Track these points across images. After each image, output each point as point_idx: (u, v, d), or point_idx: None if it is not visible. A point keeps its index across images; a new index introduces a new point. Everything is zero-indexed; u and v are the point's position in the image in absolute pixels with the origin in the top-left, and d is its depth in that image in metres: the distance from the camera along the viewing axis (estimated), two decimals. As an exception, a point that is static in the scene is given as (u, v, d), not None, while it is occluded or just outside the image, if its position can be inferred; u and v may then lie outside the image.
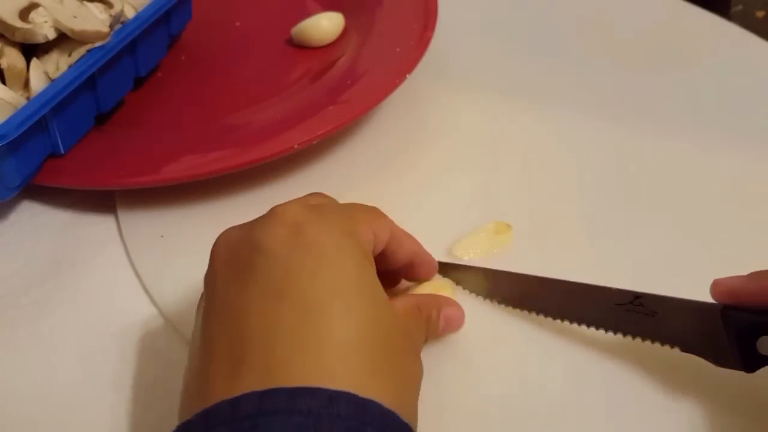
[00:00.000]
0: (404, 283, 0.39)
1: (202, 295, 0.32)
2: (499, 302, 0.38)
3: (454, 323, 0.37)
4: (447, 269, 0.40)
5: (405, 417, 0.27)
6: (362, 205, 0.34)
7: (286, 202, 0.31)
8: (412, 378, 0.30)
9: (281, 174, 0.47)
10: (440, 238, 0.42)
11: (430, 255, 0.38)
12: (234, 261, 0.30)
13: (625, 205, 0.45)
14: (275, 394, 0.25)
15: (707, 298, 0.33)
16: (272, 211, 0.30)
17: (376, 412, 0.25)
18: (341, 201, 0.35)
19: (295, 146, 0.44)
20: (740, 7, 0.68)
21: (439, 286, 0.38)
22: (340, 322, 0.27)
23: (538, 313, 0.37)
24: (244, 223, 0.31)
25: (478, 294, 0.39)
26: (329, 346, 0.26)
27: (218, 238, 0.31)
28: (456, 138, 0.50)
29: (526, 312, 0.38)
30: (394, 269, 0.36)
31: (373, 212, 0.33)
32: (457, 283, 0.39)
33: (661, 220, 0.44)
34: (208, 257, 0.31)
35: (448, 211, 0.45)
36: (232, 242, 0.31)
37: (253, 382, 0.26)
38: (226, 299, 0.29)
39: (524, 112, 0.52)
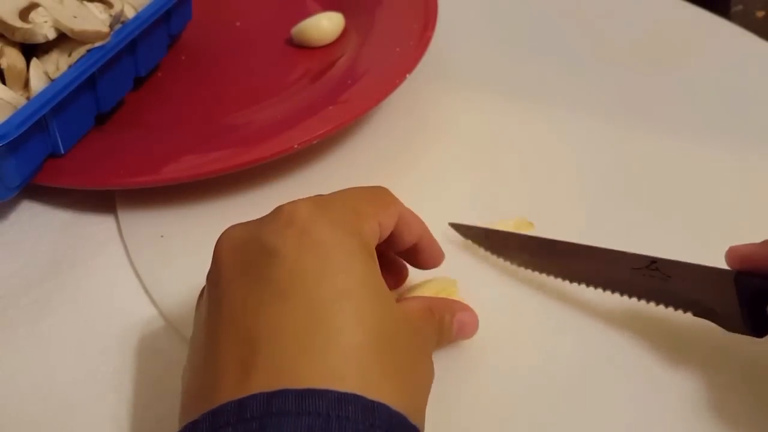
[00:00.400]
0: (407, 283, 0.39)
1: (201, 293, 0.31)
2: (519, 265, 0.40)
3: (469, 329, 0.36)
4: (467, 231, 0.41)
5: (413, 418, 0.27)
6: (371, 191, 0.33)
7: (293, 201, 0.30)
8: (422, 379, 0.30)
9: (281, 174, 0.47)
10: (442, 234, 0.42)
11: (437, 243, 0.37)
12: (240, 261, 0.29)
13: (625, 204, 0.45)
14: (284, 395, 0.24)
15: None
16: (279, 210, 0.30)
17: (385, 414, 0.25)
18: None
19: (295, 146, 0.44)
20: (740, 7, 0.68)
21: (441, 287, 0.38)
22: (348, 323, 0.27)
23: (556, 277, 0.39)
24: (248, 222, 0.31)
25: (499, 256, 0.40)
26: (337, 348, 0.26)
27: (222, 235, 0.31)
28: (456, 138, 0.51)
29: (545, 275, 0.39)
30: (400, 251, 0.35)
31: (382, 200, 0.33)
32: (479, 245, 0.41)
33: (663, 220, 0.44)
34: (209, 257, 0.31)
35: (448, 211, 0.45)
36: (237, 241, 0.30)
37: (261, 384, 0.25)
38: (232, 300, 0.28)
39: (524, 112, 0.52)
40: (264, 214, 0.31)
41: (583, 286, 0.38)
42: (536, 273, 0.39)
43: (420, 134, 0.51)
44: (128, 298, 0.41)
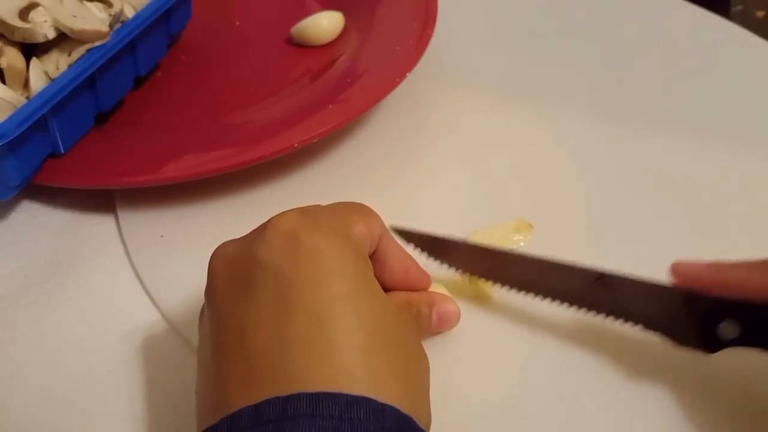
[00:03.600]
0: None
1: (202, 309, 0.32)
2: (471, 274, 0.38)
3: (449, 320, 0.37)
4: (410, 236, 0.39)
5: (421, 410, 0.28)
6: (353, 203, 0.34)
7: (281, 213, 0.31)
8: (422, 370, 0.30)
9: (281, 173, 0.47)
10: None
11: (421, 269, 0.37)
12: (234, 276, 0.30)
13: (625, 205, 0.45)
14: (298, 399, 0.25)
15: None
16: (267, 223, 0.31)
17: (395, 417, 0.26)
18: (342, 200, 0.34)
19: (296, 145, 0.44)
20: (740, 7, 0.68)
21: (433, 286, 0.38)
22: (351, 326, 0.27)
23: (503, 285, 0.37)
24: (239, 237, 0.31)
25: (450, 265, 0.39)
26: (344, 352, 0.27)
27: (214, 252, 0.31)
28: (456, 138, 0.50)
29: (490, 283, 0.38)
30: (389, 281, 0.35)
31: (366, 210, 0.33)
32: (433, 256, 0.39)
33: (663, 220, 0.44)
34: (209, 256, 0.31)
35: (447, 212, 0.45)
36: (229, 257, 0.30)
37: (272, 394, 0.26)
38: (232, 316, 0.29)
39: (524, 112, 0.52)
40: (263, 213, 0.32)
41: (531, 296, 0.37)
42: (482, 281, 0.38)
43: (420, 134, 0.51)
44: (128, 298, 0.40)
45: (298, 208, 0.32)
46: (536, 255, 0.36)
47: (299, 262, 0.28)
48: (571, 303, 0.36)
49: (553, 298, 0.36)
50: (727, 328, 0.32)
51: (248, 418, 0.25)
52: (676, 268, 0.33)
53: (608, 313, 0.35)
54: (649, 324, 0.34)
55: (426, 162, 0.49)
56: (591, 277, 0.35)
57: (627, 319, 0.34)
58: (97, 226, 0.45)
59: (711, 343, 0.32)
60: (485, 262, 0.38)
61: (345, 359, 0.26)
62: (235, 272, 0.30)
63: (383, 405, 0.25)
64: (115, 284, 0.41)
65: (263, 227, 0.30)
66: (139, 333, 0.39)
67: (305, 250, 0.29)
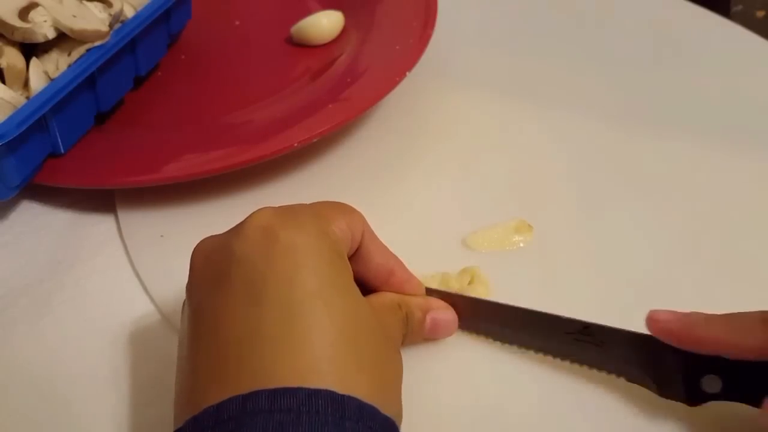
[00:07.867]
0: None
1: (184, 303, 0.32)
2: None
3: (443, 328, 0.36)
4: None
5: (390, 409, 0.28)
6: (335, 202, 0.34)
7: (259, 209, 0.31)
8: (393, 371, 0.31)
9: (282, 173, 0.47)
10: (442, 235, 0.42)
11: (409, 272, 0.37)
12: (211, 269, 0.30)
13: (625, 206, 0.45)
14: (257, 395, 0.25)
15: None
16: (246, 219, 0.31)
17: (354, 406, 0.26)
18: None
19: (296, 144, 0.44)
20: (740, 7, 0.68)
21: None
22: (322, 321, 0.28)
23: (486, 337, 0.37)
24: (219, 234, 0.32)
25: None
26: (313, 346, 0.27)
27: (195, 248, 0.32)
28: (456, 137, 0.50)
29: (474, 335, 0.37)
30: (374, 281, 0.35)
31: (347, 209, 0.34)
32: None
33: (663, 222, 0.44)
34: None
35: (447, 212, 0.45)
36: (208, 251, 0.31)
37: (238, 386, 0.26)
38: (206, 308, 0.29)
39: (525, 111, 0.52)
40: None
41: (514, 347, 0.36)
42: (467, 334, 0.37)
43: (420, 133, 0.51)
44: (128, 298, 0.40)
45: (276, 207, 0.32)
46: (515, 305, 0.36)
47: (274, 256, 0.29)
48: (556, 355, 0.35)
49: (537, 350, 0.35)
50: (710, 382, 0.31)
51: (210, 418, 0.25)
52: (652, 322, 0.33)
53: (592, 365, 0.34)
54: (633, 375, 0.34)
55: (426, 161, 0.49)
56: (575, 328, 0.34)
57: (610, 371, 0.34)
58: (97, 226, 0.45)
59: (694, 396, 0.32)
60: (466, 313, 0.37)
61: (313, 354, 0.27)
62: (212, 266, 0.30)
63: (342, 396, 0.26)
64: (115, 284, 0.41)
65: (242, 223, 0.31)
66: (139, 333, 0.39)
67: (281, 245, 0.29)
